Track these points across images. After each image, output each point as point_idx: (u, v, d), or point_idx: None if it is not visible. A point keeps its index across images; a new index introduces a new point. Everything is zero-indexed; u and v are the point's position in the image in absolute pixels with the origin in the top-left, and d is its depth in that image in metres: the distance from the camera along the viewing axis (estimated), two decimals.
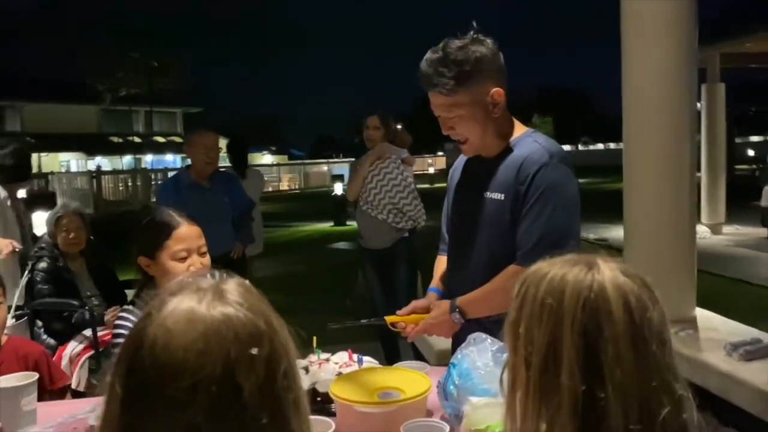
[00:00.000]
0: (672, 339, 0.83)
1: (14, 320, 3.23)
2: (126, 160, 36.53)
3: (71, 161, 35.83)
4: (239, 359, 0.62)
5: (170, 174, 12.60)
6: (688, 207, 2.96)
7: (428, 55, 1.71)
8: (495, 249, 1.75)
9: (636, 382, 0.77)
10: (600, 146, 56.77)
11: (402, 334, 1.85)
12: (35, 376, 1.56)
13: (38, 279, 3.27)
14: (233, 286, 0.69)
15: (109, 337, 2.55)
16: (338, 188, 14.29)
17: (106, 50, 31.07)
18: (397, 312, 1.85)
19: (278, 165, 32.77)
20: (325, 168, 31.68)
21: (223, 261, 3.77)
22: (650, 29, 2.85)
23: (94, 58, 31.06)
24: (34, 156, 33.95)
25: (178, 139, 35.29)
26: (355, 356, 1.70)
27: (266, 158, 44.75)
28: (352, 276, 8.03)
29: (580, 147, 59.83)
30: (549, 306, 0.81)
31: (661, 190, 2.92)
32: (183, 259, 1.87)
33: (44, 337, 3.25)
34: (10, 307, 3.23)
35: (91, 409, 1.54)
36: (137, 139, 38.89)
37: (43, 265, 3.31)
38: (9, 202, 3.59)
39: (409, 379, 1.40)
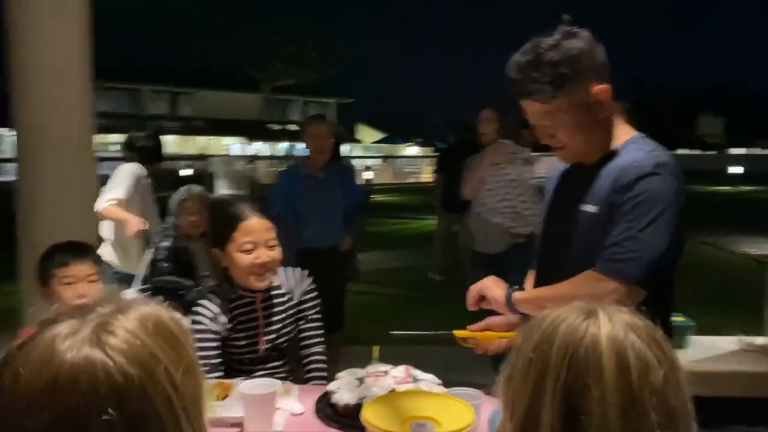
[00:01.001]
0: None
1: (138, 294, 3.50)
2: (282, 146, 38.82)
3: (233, 145, 38.77)
4: (91, 415, 0.52)
5: None
6: None
7: (516, 58, 1.53)
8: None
9: None
10: None
11: (476, 351, 1.71)
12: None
13: (160, 257, 3.50)
14: (126, 322, 0.59)
15: None
16: None
17: (266, 42, 33.11)
18: (469, 327, 1.71)
19: (421, 157, 33.00)
20: None
21: (332, 253, 3.80)
22: None
23: (255, 50, 33.26)
24: (203, 139, 37.29)
25: None
26: (413, 372, 1.58)
27: (412, 149, 45.29)
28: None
29: (761, 151, 53.61)
30: (534, 361, 0.66)
31: None
32: (249, 251, 1.87)
33: None
34: (132, 279, 3.51)
35: None
36: (293, 127, 41.13)
37: (165, 244, 3.53)
38: (148, 181, 3.88)
39: (452, 411, 1.26)
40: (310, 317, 2.08)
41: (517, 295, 1.59)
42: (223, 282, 2.00)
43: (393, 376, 1.60)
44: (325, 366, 2.06)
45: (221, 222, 1.96)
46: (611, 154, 1.55)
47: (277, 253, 1.94)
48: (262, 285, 1.92)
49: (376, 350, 1.64)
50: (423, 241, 10.95)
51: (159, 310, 0.64)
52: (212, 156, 23.54)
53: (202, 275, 3.61)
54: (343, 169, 4.16)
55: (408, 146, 46.50)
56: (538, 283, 1.76)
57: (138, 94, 37.93)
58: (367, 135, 45.35)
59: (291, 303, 2.04)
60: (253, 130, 38.44)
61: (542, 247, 1.77)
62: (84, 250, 2.03)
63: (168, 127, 35.78)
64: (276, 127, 40.48)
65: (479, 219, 3.74)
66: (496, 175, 3.65)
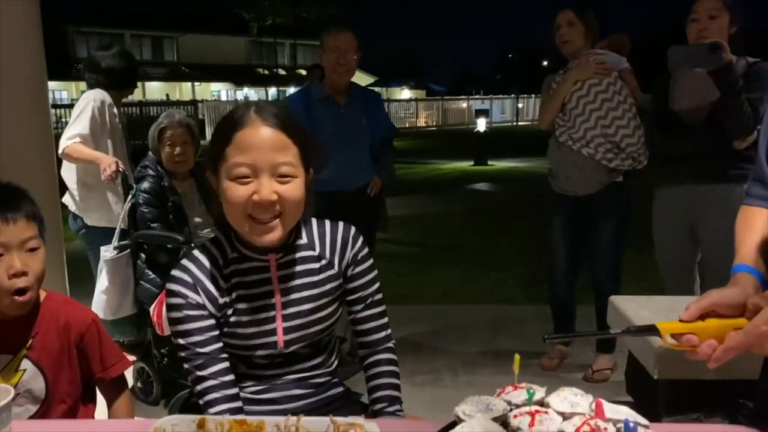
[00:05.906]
0: None
1: (116, 252, 2.74)
2: (271, 92, 37.46)
3: (222, 91, 37.33)
4: None
5: None
6: None
7: None
8: None
9: None
10: None
11: (689, 356, 0.96)
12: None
13: (141, 201, 2.72)
14: None
15: None
16: (481, 124, 13.22)
17: None
18: (680, 316, 0.97)
19: (416, 100, 31.82)
20: (464, 105, 30.38)
21: (359, 197, 3.03)
22: None
23: None
24: (188, 85, 35.85)
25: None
26: (612, 415, 0.84)
27: (405, 93, 43.99)
28: (493, 220, 7.12)
29: None
30: None
31: None
32: (243, 181, 1.13)
33: (148, 272, 2.72)
34: (112, 233, 2.74)
35: None
36: (282, 72, 39.62)
37: (146, 185, 2.75)
38: (116, 111, 3.07)
39: None
40: (370, 300, 1.32)
41: None
42: (219, 230, 1.26)
43: (560, 413, 0.86)
44: (399, 383, 1.32)
45: (218, 130, 1.20)
46: None
47: (294, 189, 1.16)
48: (262, 241, 1.16)
49: (516, 361, 0.90)
50: (431, 187, 10.23)
51: None
52: (201, 101, 22.38)
53: (196, 222, 2.85)
54: (369, 94, 3.33)
55: (401, 90, 45.14)
56: None
57: (120, 39, 36.16)
58: (359, 79, 43.78)
59: (331, 273, 1.27)
60: (241, 75, 36.98)
61: None
62: (12, 200, 1.25)
63: (152, 73, 34.29)
64: (264, 71, 38.96)
65: (565, 150, 2.88)
66: (587, 94, 2.78)
